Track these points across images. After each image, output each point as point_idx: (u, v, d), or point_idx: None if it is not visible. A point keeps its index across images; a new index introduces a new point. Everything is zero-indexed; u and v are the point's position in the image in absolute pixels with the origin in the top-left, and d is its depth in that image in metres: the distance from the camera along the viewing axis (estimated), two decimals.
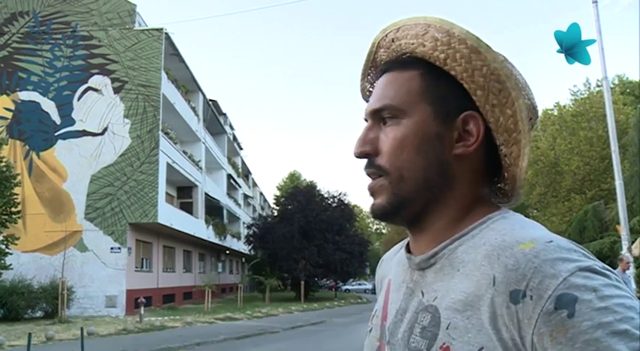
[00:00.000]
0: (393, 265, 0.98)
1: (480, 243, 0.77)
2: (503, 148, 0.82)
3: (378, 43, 0.92)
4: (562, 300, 0.64)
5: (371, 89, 0.99)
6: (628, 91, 36.44)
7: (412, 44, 0.85)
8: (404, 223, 0.87)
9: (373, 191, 0.86)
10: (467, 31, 0.81)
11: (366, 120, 0.90)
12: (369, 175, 0.86)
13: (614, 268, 9.50)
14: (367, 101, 1.01)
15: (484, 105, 0.81)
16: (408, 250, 0.91)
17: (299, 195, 36.49)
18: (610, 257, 19.23)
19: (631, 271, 10.00)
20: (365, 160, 0.86)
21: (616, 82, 37.52)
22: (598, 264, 0.68)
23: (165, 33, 24.44)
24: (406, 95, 0.84)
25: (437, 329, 0.75)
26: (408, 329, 0.81)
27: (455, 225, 0.82)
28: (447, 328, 0.74)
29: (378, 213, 0.85)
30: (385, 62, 0.91)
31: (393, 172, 0.82)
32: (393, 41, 0.88)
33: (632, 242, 13.02)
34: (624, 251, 11.97)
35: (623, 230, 12.52)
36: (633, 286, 9.37)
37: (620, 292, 0.65)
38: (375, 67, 0.96)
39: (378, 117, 0.86)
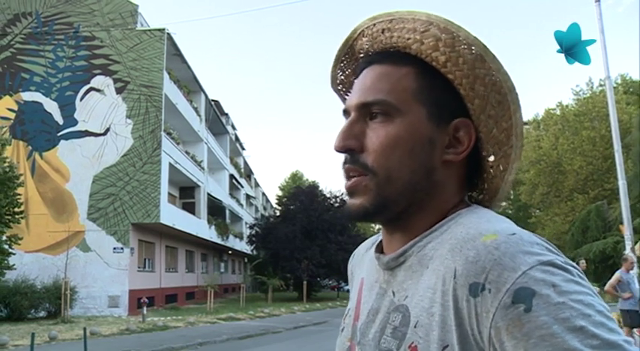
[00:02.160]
0: (366, 261, 0.95)
1: (447, 238, 0.75)
2: (490, 158, 0.81)
3: (363, 30, 0.86)
4: (520, 294, 0.62)
5: (342, 77, 0.95)
6: (631, 90, 36.35)
7: (408, 39, 0.79)
8: (382, 222, 0.84)
9: (354, 191, 0.81)
10: (474, 37, 0.77)
11: (345, 112, 0.85)
12: (348, 171, 0.81)
13: (618, 268, 9.50)
14: (336, 90, 0.97)
15: (479, 114, 0.78)
16: (379, 249, 0.88)
17: (301, 195, 36.48)
18: (613, 257, 19.22)
19: (635, 271, 9.96)
20: (345, 156, 0.82)
21: (619, 81, 37.42)
22: (560, 258, 0.66)
23: (168, 33, 24.46)
24: (402, 93, 0.79)
25: (406, 329, 0.73)
26: (379, 330, 0.79)
27: (430, 226, 0.80)
28: (415, 327, 0.72)
29: (357, 214, 0.81)
30: (374, 53, 0.85)
31: (381, 173, 0.78)
32: (382, 32, 0.82)
33: (636, 242, 12.98)
34: (628, 251, 11.94)
35: (627, 230, 12.51)
36: (637, 286, 9.32)
37: (580, 289, 0.63)
38: (351, 55, 0.91)
39: (365, 111, 0.81)
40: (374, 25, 0.84)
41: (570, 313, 0.60)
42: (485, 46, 0.77)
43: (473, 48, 0.77)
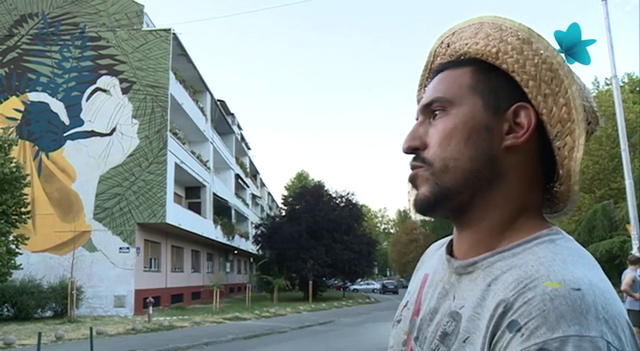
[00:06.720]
0: (434, 259, 0.97)
1: (518, 263, 0.75)
2: (557, 141, 0.80)
3: (435, 52, 0.93)
4: None
5: None
6: (638, 89, 36.15)
7: (466, 45, 0.86)
8: (448, 215, 0.86)
9: (414, 181, 0.85)
10: (519, 24, 0.82)
11: (417, 119, 0.90)
12: (413, 168, 0.86)
13: (624, 268, 9.46)
14: None
15: (536, 96, 0.80)
16: (450, 249, 0.90)
17: (307, 195, 36.48)
18: (620, 257, 19.12)
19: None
20: (412, 156, 0.86)
21: (625, 80, 37.22)
22: (605, 340, 0.64)
23: (173, 33, 24.52)
24: (457, 88, 0.84)
25: (455, 339, 0.76)
26: (434, 331, 0.81)
27: (499, 231, 0.81)
28: (464, 342, 0.74)
29: (421, 205, 0.84)
30: (439, 64, 0.92)
31: (437, 163, 0.81)
32: (448, 46, 0.90)
33: None
34: (634, 251, 11.90)
35: (633, 229, 12.45)
36: None
37: None
38: (432, 78, 0.96)
39: (428, 112, 0.86)
40: (441, 43, 0.92)
41: None
42: (529, 29, 0.81)
43: (519, 33, 0.81)
